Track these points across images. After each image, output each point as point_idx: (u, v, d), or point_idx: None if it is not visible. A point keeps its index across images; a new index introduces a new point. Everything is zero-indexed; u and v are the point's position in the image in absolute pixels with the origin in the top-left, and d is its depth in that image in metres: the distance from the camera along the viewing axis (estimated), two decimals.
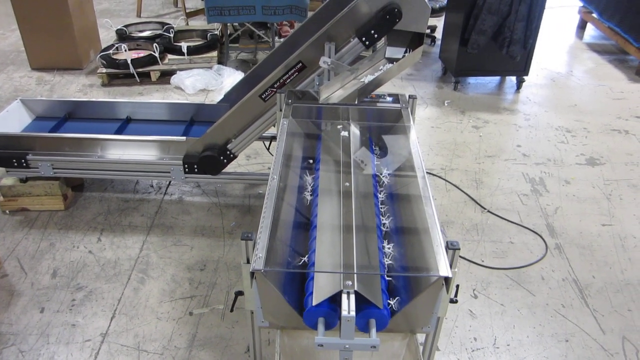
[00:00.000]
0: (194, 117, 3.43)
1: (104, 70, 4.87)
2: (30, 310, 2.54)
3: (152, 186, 3.46)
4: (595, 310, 2.59)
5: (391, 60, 2.61)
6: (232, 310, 1.97)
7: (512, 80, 5.06)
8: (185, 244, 2.96)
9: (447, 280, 1.54)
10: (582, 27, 6.50)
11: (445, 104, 4.62)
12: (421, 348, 1.85)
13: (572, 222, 3.19)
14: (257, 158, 3.78)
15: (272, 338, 2.41)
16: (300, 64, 2.70)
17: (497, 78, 5.14)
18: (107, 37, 5.96)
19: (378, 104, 2.47)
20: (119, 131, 3.29)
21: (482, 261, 2.87)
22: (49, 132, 3.24)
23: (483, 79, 5.13)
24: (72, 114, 3.46)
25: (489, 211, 3.26)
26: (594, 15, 6.09)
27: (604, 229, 3.14)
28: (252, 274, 1.57)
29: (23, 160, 3.04)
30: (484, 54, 4.61)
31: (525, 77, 4.88)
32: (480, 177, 3.60)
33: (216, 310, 2.55)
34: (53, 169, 3.07)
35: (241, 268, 1.62)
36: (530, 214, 3.25)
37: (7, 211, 3.20)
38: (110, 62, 4.85)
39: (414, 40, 2.61)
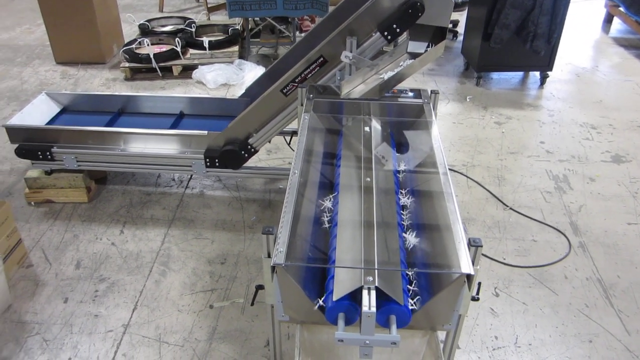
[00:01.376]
0: (220, 112, 3.45)
1: (127, 64, 4.92)
2: (55, 300, 2.59)
3: (173, 180, 3.49)
4: (620, 310, 2.55)
5: (413, 55, 2.58)
6: (252, 304, 1.98)
7: (535, 75, 4.99)
8: (206, 237, 2.98)
9: (469, 277, 1.52)
10: (608, 21, 6.37)
11: (467, 100, 4.57)
12: (442, 345, 1.83)
13: (597, 221, 3.13)
14: (277, 153, 3.79)
15: (291, 332, 2.41)
16: (322, 59, 2.69)
17: (521, 73, 5.06)
18: (130, 31, 6.03)
19: (400, 99, 2.45)
20: (140, 125, 3.33)
21: (504, 259, 2.84)
22: (73, 125, 3.28)
23: (506, 74, 5.06)
24: (95, 107, 3.50)
25: (511, 208, 3.22)
26: (621, 8, 5.96)
27: (629, 227, 3.08)
28: (273, 268, 1.57)
29: (48, 153, 3.09)
30: (507, 49, 4.55)
31: (549, 72, 4.80)
32: (503, 173, 3.56)
33: (236, 303, 2.56)
34: (77, 161, 3.11)
35: (262, 262, 1.62)
36: (553, 211, 3.20)
37: (33, 203, 3.25)
38: (132, 56, 4.90)
39: (436, 35, 2.58)
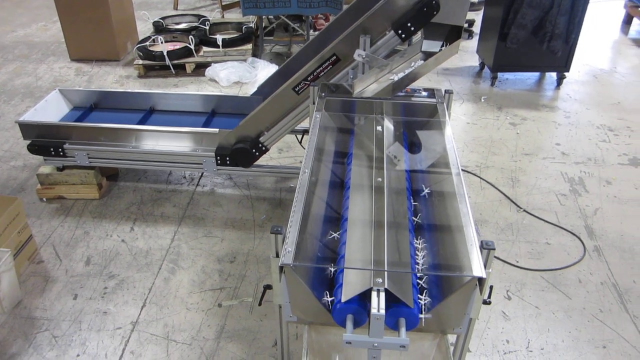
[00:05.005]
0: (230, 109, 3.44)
1: (140, 61, 4.93)
2: (64, 296, 2.59)
3: (184, 177, 3.48)
4: (636, 316, 2.49)
5: (427, 54, 2.55)
6: (260, 304, 1.96)
7: (552, 76, 4.92)
8: (215, 235, 2.97)
9: (480, 280, 1.49)
10: (627, 22, 6.27)
11: (482, 100, 4.52)
12: (452, 349, 1.80)
13: (613, 224, 3.07)
14: (289, 151, 3.77)
15: (299, 333, 2.39)
16: (335, 57, 2.66)
17: (537, 74, 4.99)
18: (144, 29, 6.04)
19: (413, 99, 2.42)
20: (153, 122, 3.33)
21: (517, 262, 2.79)
22: (86, 122, 3.29)
23: (522, 74, 4.99)
24: (108, 104, 3.51)
25: (525, 210, 3.17)
26: None
27: None
28: (281, 268, 1.55)
29: (60, 149, 3.10)
30: (523, 49, 4.48)
31: (566, 73, 4.73)
32: (517, 175, 3.50)
33: (245, 302, 2.55)
34: (89, 158, 3.12)
35: (270, 262, 1.60)
36: (568, 214, 3.15)
37: (44, 199, 3.27)
38: (146, 53, 4.91)
39: (451, 34, 2.54)
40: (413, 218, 1.95)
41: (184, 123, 3.33)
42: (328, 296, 1.60)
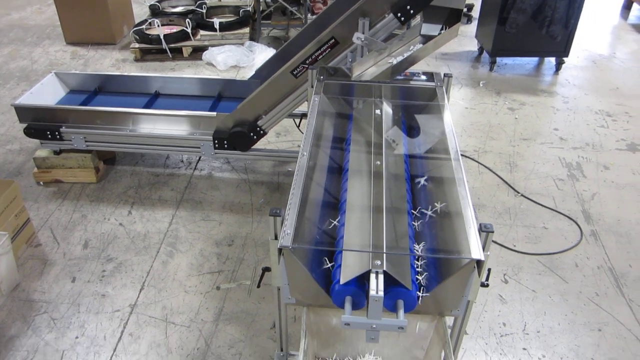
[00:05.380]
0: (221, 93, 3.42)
1: (137, 45, 4.89)
2: (62, 279, 2.59)
3: (182, 161, 3.47)
4: (631, 300, 2.51)
5: (426, 38, 2.53)
6: (258, 286, 1.97)
7: (551, 61, 4.90)
8: (213, 219, 2.97)
9: (479, 263, 1.49)
10: (627, 7, 6.24)
11: (481, 85, 4.50)
12: (449, 331, 1.81)
13: (610, 209, 3.08)
14: (287, 135, 3.76)
15: (298, 315, 2.40)
16: (333, 40, 2.64)
17: (536, 59, 4.97)
18: (140, 12, 5.98)
19: (412, 82, 2.41)
20: (149, 105, 3.30)
21: (514, 246, 2.80)
22: (82, 105, 3.27)
23: (521, 59, 4.97)
24: (104, 87, 3.49)
25: (522, 195, 3.17)
26: None
27: None
28: (280, 250, 1.55)
29: (57, 133, 3.08)
30: (522, 34, 4.46)
31: (565, 59, 4.71)
32: (515, 160, 3.51)
33: (243, 285, 2.56)
34: (86, 141, 3.10)
35: (269, 244, 1.60)
36: (565, 199, 3.15)
37: (41, 182, 3.26)
38: (143, 37, 4.87)
39: (451, 17, 2.52)
40: (412, 199, 1.95)
41: (190, 107, 3.29)
42: (327, 262, 1.61)
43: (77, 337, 2.30)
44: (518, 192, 3.20)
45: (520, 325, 2.38)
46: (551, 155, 3.56)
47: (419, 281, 1.62)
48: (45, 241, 2.83)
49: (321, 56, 2.69)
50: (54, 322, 2.37)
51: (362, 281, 1.54)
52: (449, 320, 1.85)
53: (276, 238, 1.57)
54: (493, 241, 2.82)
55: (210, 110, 3.22)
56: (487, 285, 1.65)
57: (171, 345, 2.27)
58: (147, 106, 3.30)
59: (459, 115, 4.03)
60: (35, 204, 3.09)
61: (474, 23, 5.63)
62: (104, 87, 3.49)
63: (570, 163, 3.49)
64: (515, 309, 2.46)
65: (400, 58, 2.42)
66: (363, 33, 2.54)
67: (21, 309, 2.43)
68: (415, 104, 2.40)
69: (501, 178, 3.32)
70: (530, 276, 2.63)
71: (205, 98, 3.41)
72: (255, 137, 2.99)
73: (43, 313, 2.42)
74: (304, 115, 3.37)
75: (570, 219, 3.00)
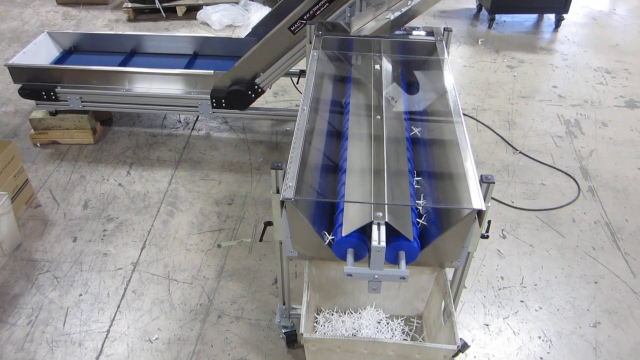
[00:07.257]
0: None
1: (130, 4, 4.79)
2: (64, 239, 2.61)
3: (179, 121, 3.45)
4: (627, 253, 2.55)
5: None
6: (261, 240, 1.98)
7: (550, 18, 4.83)
8: (213, 178, 2.97)
9: (479, 213, 1.51)
10: None
11: (479, 43, 4.45)
12: (449, 283, 1.84)
13: (607, 165, 3.09)
14: (284, 95, 3.73)
15: (299, 271, 2.43)
16: None
17: (535, 16, 4.90)
18: None
19: (411, 37, 2.38)
20: (133, 64, 3.26)
21: (512, 202, 2.83)
22: (76, 64, 3.22)
23: (520, 16, 4.90)
24: (98, 46, 3.43)
25: (521, 152, 3.18)
26: None
27: None
28: (282, 203, 1.56)
29: (52, 93, 3.04)
30: None
31: (564, 15, 4.65)
32: (513, 117, 3.50)
33: (244, 243, 2.58)
34: (82, 101, 3.07)
35: (269, 204, 1.61)
36: (563, 156, 3.16)
37: (38, 144, 3.23)
38: None
39: None
40: (412, 154, 1.95)
41: (166, 65, 3.25)
42: (327, 235, 1.62)
43: (80, 295, 2.33)
44: (516, 150, 3.20)
45: (518, 278, 2.42)
46: (549, 113, 3.55)
47: (420, 230, 1.63)
48: (45, 202, 2.83)
49: (319, 11, 2.65)
50: (57, 281, 2.39)
51: (363, 235, 1.56)
52: (449, 274, 1.88)
53: (278, 192, 1.58)
54: (492, 198, 2.83)
55: (186, 67, 3.19)
56: (487, 237, 1.67)
57: (174, 301, 2.30)
58: (132, 65, 3.25)
59: (457, 73, 4.00)
60: (33, 165, 3.08)
61: None
62: (98, 47, 3.42)
63: (568, 120, 3.48)
64: (513, 263, 2.49)
65: (399, 12, 2.38)
66: None
67: (24, 268, 2.45)
68: (415, 59, 2.37)
69: (500, 135, 3.32)
70: (528, 231, 2.66)
71: (180, 56, 3.38)
72: (253, 95, 2.96)
73: (46, 272, 2.44)
74: (302, 73, 3.34)
75: (568, 175, 3.01)
